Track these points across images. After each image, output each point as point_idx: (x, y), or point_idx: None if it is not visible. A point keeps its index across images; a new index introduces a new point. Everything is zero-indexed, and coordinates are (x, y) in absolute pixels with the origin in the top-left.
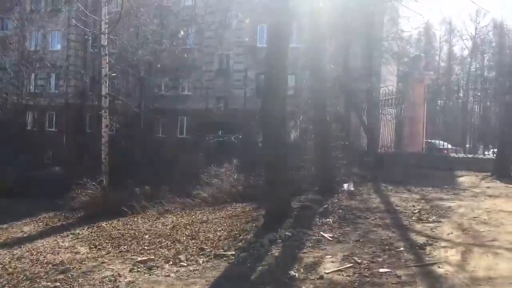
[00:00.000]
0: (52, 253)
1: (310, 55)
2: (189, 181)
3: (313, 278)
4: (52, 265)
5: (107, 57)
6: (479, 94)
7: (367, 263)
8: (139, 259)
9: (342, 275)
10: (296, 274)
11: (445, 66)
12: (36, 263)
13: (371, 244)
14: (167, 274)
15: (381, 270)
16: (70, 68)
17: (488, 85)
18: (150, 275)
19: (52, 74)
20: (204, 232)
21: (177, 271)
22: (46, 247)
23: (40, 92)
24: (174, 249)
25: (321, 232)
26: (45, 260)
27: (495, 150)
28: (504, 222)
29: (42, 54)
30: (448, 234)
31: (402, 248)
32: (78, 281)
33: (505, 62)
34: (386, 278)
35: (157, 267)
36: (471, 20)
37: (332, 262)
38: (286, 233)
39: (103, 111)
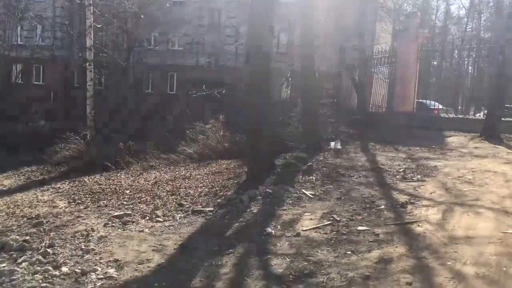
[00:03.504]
0: (30, 207)
1: (300, 10)
2: (175, 137)
3: (289, 235)
4: (27, 219)
5: (92, 7)
6: (473, 54)
7: (346, 221)
8: (116, 214)
9: (319, 232)
10: (273, 231)
11: (441, 26)
12: (11, 217)
13: (352, 202)
14: (141, 229)
15: (359, 228)
16: (56, 19)
17: (483, 46)
18: (123, 230)
19: (38, 26)
20: (185, 188)
21: (151, 227)
22: (24, 200)
23: (26, 44)
24: (153, 204)
25: (303, 190)
26: (21, 214)
27: (486, 111)
28: (489, 182)
29: (27, 4)
30: (431, 193)
31: (383, 207)
32: (50, 235)
33: (501, 22)
34: (364, 236)
35: (133, 222)
36: None
37: (311, 219)
38: (267, 190)
39: (87, 64)
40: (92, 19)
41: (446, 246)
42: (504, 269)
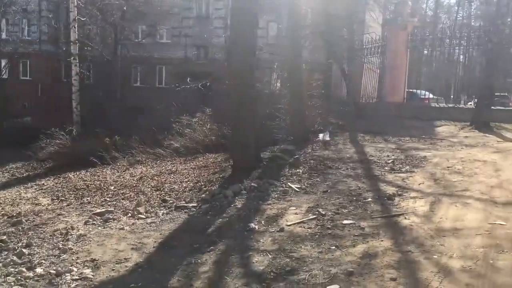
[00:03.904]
0: (12, 205)
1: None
2: (163, 131)
3: (273, 230)
4: (8, 217)
5: (75, 0)
6: (464, 43)
7: (331, 214)
8: (97, 211)
9: (304, 227)
10: (256, 227)
11: (432, 15)
12: None
13: (338, 195)
14: (122, 227)
15: (345, 221)
16: (42, 13)
17: (473, 34)
18: (104, 228)
19: (24, 19)
20: (170, 183)
21: (133, 224)
22: (7, 198)
23: (11, 39)
24: (136, 200)
25: (289, 183)
26: (2, 212)
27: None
28: (478, 171)
29: None
30: (419, 184)
31: (370, 199)
32: (28, 234)
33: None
34: (349, 230)
35: (114, 220)
36: None
37: (296, 214)
38: (252, 184)
39: (72, 58)
40: (75, 12)
41: (432, 239)
42: (491, 261)
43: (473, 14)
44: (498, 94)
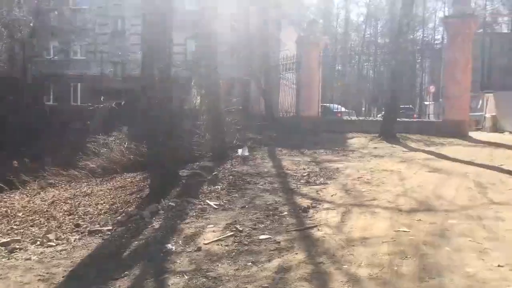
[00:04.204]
0: None
1: (201, 18)
2: (77, 151)
3: (190, 250)
4: None
5: None
6: (371, 59)
7: (248, 230)
8: (2, 241)
9: (221, 245)
10: (173, 247)
11: (343, 32)
12: None
13: (256, 210)
14: (29, 256)
15: (261, 236)
16: None
17: (380, 51)
18: (9, 259)
19: None
20: (84, 207)
21: (41, 253)
22: None
23: None
24: (47, 227)
25: (207, 200)
26: None
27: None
28: (385, 181)
29: None
30: (332, 195)
31: (286, 213)
32: None
33: (394, 29)
34: (265, 245)
35: (20, 249)
36: None
37: (214, 231)
38: (170, 203)
39: None
40: None
41: (343, 249)
42: (395, 268)
43: (380, 32)
44: (404, 106)
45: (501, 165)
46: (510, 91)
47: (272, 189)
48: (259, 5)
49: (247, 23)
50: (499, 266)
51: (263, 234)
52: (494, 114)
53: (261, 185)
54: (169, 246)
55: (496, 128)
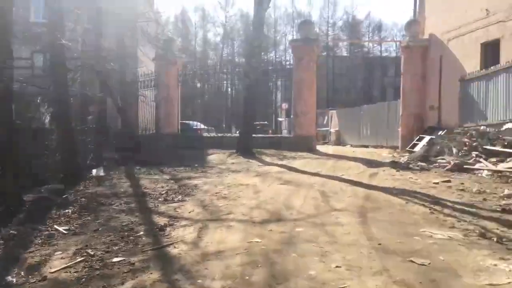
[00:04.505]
0: None
1: (49, 31)
2: None
3: (34, 281)
4: None
5: None
6: (229, 77)
7: (101, 254)
8: None
9: (70, 272)
10: (14, 279)
11: (201, 51)
12: None
13: (110, 232)
14: None
15: (115, 259)
16: None
17: (238, 70)
18: None
19: None
20: None
21: None
22: None
23: None
24: None
25: (56, 226)
26: None
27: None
28: (241, 195)
29: None
30: (189, 212)
31: (142, 233)
32: None
33: (247, 49)
34: (118, 268)
35: None
36: (221, 8)
37: (62, 258)
38: (11, 231)
39: None
40: None
41: (198, 264)
42: (247, 278)
43: (236, 51)
44: (260, 123)
45: (342, 175)
46: (350, 108)
47: (128, 210)
48: (114, 21)
49: (101, 39)
50: (337, 267)
51: (117, 256)
52: (337, 129)
53: (116, 206)
54: (9, 278)
55: (339, 141)
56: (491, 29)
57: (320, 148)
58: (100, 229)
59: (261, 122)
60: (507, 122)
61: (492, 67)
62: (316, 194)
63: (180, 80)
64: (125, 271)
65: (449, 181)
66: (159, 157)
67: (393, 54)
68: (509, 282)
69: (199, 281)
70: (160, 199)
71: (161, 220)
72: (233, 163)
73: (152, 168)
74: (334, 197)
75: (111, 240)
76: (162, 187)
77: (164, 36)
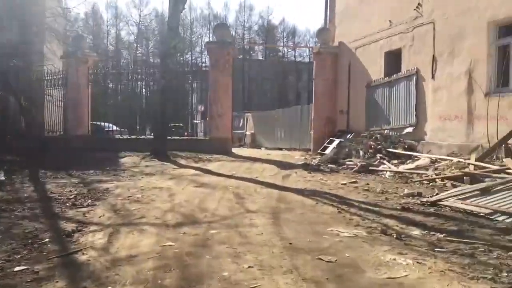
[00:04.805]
0: None
1: None
2: None
3: None
4: None
5: None
6: (144, 78)
7: (1, 263)
8: None
9: None
10: None
11: (114, 50)
12: None
13: (12, 240)
14: None
15: (17, 268)
16: None
17: (153, 70)
18: None
19: None
20: None
21: None
22: None
23: None
24: None
25: None
26: None
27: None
28: (155, 198)
29: None
30: (100, 217)
31: (47, 239)
32: None
33: (162, 50)
34: (21, 277)
35: None
36: (135, 7)
37: None
38: None
39: None
40: None
41: (108, 270)
42: (159, 281)
43: (151, 51)
44: (175, 125)
45: (257, 177)
46: (265, 111)
47: (32, 216)
48: (18, 15)
49: (3, 34)
50: (249, 267)
51: (19, 265)
52: (253, 131)
53: (19, 212)
54: None
55: (255, 144)
56: (394, 39)
57: (235, 150)
58: (0, 237)
59: (176, 124)
60: (407, 127)
61: (394, 75)
62: (231, 196)
63: (91, 79)
64: (28, 280)
65: (356, 182)
66: (67, 160)
67: (307, 60)
68: (406, 275)
69: (109, 287)
70: (68, 204)
71: (68, 226)
72: (147, 166)
73: (59, 172)
74: (248, 198)
75: (13, 248)
76: (70, 191)
77: (74, 33)
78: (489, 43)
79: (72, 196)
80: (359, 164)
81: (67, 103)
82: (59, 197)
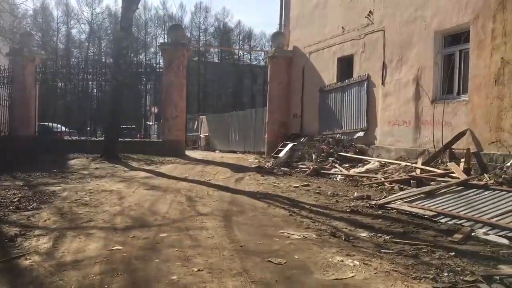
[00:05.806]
0: None
1: None
2: None
3: None
4: None
5: None
6: (95, 78)
7: None
8: None
9: None
10: None
11: (64, 48)
12: None
13: None
14: None
15: None
16: None
17: (105, 70)
18: None
19: None
20: None
21: None
22: None
23: None
24: None
25: None
26: None
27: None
28: (104, 201)
29: None
30: (45, 220)
31: None
32: None
33: (115, 50)
34: None
35: None
36: (87, 5)
37: None
38: None
39: None
40: None
41: (53, 276)
42: (106, 286)
43: (104, 51)
44: (128, 126)
45: (210, 180)
46: (220, 114)
47: None
48: None
49: None
50: (199, 270)
51: None
52: (207, 134)
53: None
54: None
55: (209, 147)
56: (346, 45)
57: (189, 153)
58: None
59: (129, 126)
60: (359, 131)
61: (346, 80)
62: (182, 199)
63: (38, 78)
64: None
65: (308, 185)
66: (11, 162)
67: (262, 63)
68: (353, 276)
69: None
70: (11, 207)
71: (11, 230)
72: (97, 168)
73: (2, 174)
74: (200, 201)
75: None
76: (14, 194)
77: (21, 30)
78: (435, 52)
79: (16, 199)
80: (311, 168)
81: (12, 102)
82: (2, 200)
